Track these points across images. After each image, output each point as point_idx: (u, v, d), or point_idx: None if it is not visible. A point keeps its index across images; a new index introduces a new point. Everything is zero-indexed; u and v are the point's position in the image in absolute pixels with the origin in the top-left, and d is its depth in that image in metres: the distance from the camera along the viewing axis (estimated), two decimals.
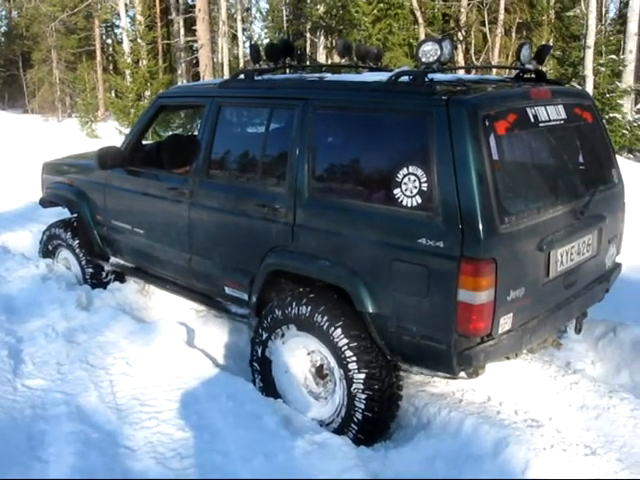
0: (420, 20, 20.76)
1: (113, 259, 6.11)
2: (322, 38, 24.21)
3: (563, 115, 4.14)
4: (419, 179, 3.54)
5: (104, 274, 6.28)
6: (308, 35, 29.01)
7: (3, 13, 48.95)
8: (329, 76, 4.59)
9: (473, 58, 22.61)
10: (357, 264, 3.83)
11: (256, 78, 4.78)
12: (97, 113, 28.79)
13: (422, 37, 20.40)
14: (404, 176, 3.60)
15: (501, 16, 22.10)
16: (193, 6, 28.62)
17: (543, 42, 22.48)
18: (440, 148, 3.48)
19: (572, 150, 4.45)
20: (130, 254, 5.87)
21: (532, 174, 4.08)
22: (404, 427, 4.17)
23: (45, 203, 6.80)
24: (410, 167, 3.58)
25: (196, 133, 5.17)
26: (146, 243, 5.52)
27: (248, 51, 4.98)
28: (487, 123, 3.55)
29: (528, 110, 3.87)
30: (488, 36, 22.75)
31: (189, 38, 29.50)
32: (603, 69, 17.97)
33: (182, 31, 31.66)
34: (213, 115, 4.84)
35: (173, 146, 5.38)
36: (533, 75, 4.49)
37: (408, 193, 3.59)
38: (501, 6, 21.91)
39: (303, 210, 4.12)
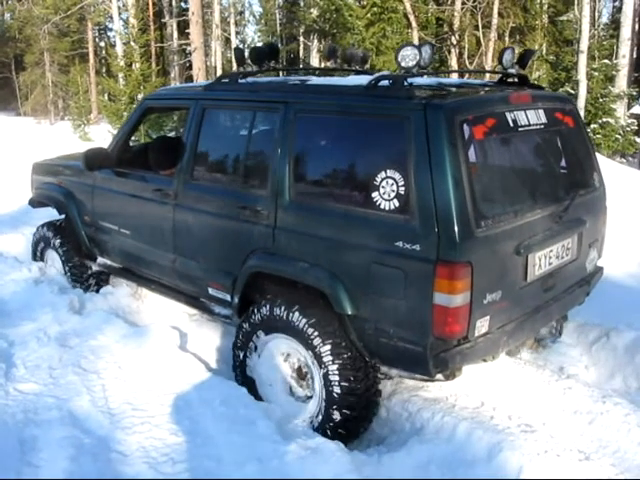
0: (414, 24, 20.75)
1: (100, 259, 6.16)
2: (315, 42, 24.23)
3: (543, 119, 4.16)
4: (397, 183, 3.59)
5: (88, 275, 6.35)
6: (301, 39, 29.08)
7: None
8: (312, 80, 4.63)
9: (467, 62, 22.64)
10: (336, 266, 3.88)
11: (240, 81, 4.83)
12: (90, 116, 28.77)
13: (416, 41, 20.38)
14: (382, 179, 3.65)
15: (494, 20, 22.14)
16: (186, 9, 28.65)
17: (536, 46, 22.55)
18: (417, 152, 3.52)
19: (552, 154, 4.50)
20: (117, 254, 5.91)
21: (510, 178, 4.12)
22: (397, 432, 4.16)
23: (34, 203, 6.87)
24: (388, 171, 3.63)
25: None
26: (132, 244, 5.58)
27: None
28: (465, 127, 3.60)
29: (507, 114, 3.90)
30: (482, 40, 22.79)
31: (182, 41, 29.51)
32: (596, 74, 18.06)
33: (175, 34, 31.68)
34: (198, 117, 4.91)
35: (159, 148, 5.37)
36: (516, 79, 4.55)
37: (386, 196, 3.64)
38: (494, 10, 21.96)
39: (284, 212, 4.17)
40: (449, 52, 22.57)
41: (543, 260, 4.01)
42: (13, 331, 5.28)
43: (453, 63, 21.87)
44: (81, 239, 6.18)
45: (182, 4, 34.68)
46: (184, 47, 29.77)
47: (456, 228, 3.40)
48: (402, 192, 3.57)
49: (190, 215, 4.87)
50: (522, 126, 3.97)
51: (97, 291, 6.23)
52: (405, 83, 3.83)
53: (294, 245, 4.13)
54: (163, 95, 6.00)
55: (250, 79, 4.87)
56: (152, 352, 4.72)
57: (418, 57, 3.73)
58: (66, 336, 5.10)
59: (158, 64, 31.48)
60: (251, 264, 4.36)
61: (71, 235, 6.29)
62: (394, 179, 3.60)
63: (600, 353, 4.94)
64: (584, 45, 17.70)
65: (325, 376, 3.96)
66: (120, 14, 29.18)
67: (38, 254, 6.77)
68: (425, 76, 4.16)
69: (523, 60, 4.51)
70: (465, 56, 22.95)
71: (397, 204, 3.59)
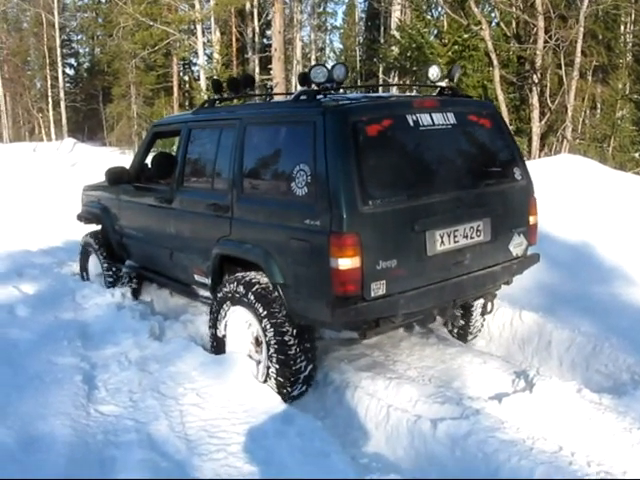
0: (495, 62, 20.59)
1: (128, 262, 7.27)
2: (396, 79, 24.32)
3: (452, 120, 4.89)
4: (306, 173, 4.46)
5: (119, 275, 7.39)
6: (381, 75, 29.23)
7: (87, 50, 50.91)
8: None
9: (548, 101, 22.34)
10: (269, 245, 4.78)
11: (216, 106, 6.05)
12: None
13: (497, 79, 20.28)
14: (297, 172, 4.53)
15: (577, 59, 21.81)
16: (269, 45, 29.28)
17: (620, 85, 22.14)
18: (318, 147, 4.38)
19: (460, 149, 5.10)
20: (136, 255, 7.10)
21: (406, 167, 4.70)
22: (472, 472, 4.08)
23: (82, 219, 8.05)
24: (301, 164, 4.51)
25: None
26: (144, 245, 6.75)
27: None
28: (357, 128, 4.39)
29: (408, 116, 4.66)
30: (564, 79, 22.50)
31: (264, 76, 30.10)
32: None
33: (257, 69, 32.35)
34: (186, 136, 6.04)
35: (160, 161, 6.34)
36: (450, 91, 5.35)
37: (299, 185, 4.50)
38: (578, 49, 21.63)
39: (237, 205, 5.13)
40: (530, 90, 22.29)
41: (446, 238, 4.66)
42: (95, 354, 5.45)
43: (534, 102, 21.58)
44: (113, 245, 7.37)
45: (265, 40, 35.40)
46: (266, 82, 30.31)
47: (344, 206, 4.20)
48: (310, 181, 4.43)
49: (181, 215, 5.90)
50: (425, 126, 4.70)
51: (130, 292, 7.19)
52: (319, 96, 4.69)
53: (243, 231, 5.07)
54: (166, 122, 7.45)
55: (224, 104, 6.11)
56: (230, 381, 4.79)
57: (327, 75, 4.58)
58: (146, 361, 5.24)
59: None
60: (216, 250, 5.31)
61: (106, 242, 7.45)
62: (305, 171, 4.47)
63: None
64: None
65: (268, 341, 4.79)
66: (205, 50, 30.01)
67: (85, 257, 7.87)
68: (358, 91, 4.85)
69: (449, 74, 5.34)
70: (547, 94, 22.66)
71: (306, 190, 4.46)
